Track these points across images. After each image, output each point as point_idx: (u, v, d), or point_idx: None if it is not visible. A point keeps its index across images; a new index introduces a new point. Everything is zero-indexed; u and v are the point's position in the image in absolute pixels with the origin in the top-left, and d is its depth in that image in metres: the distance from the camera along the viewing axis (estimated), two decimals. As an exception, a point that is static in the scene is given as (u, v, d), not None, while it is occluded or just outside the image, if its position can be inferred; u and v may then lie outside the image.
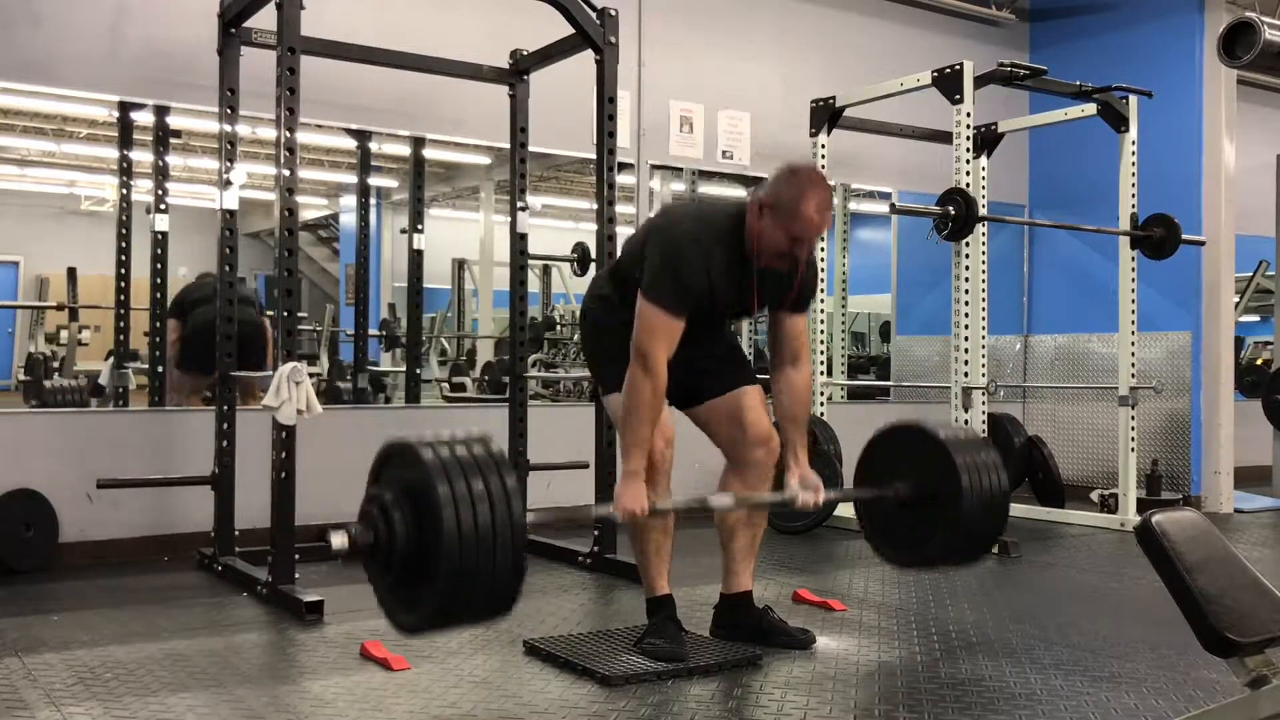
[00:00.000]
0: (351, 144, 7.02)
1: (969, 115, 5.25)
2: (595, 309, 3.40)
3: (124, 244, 5.38)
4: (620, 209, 4.63)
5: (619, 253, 3.45)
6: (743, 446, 3.32)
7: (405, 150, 6.67)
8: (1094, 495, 6.49)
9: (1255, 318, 9.98)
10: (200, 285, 6.10)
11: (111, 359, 5.88)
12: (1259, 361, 9.46)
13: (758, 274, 3.15)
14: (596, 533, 4.57)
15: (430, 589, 2.61)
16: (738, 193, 7.95)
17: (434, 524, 2.55)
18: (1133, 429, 6.02)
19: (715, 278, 3.09)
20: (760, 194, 3.10)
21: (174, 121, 5.47)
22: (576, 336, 9.74)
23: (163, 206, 5.42)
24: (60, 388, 5.86)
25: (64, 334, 8.67)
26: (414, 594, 2.68)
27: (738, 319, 3.44)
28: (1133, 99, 5.96)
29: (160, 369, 5.50)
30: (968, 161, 5.25)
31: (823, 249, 6.13)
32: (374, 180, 7.86)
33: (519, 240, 5.20)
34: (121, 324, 5.53)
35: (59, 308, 8.46)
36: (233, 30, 4.55)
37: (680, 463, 3.31)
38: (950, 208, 5.19)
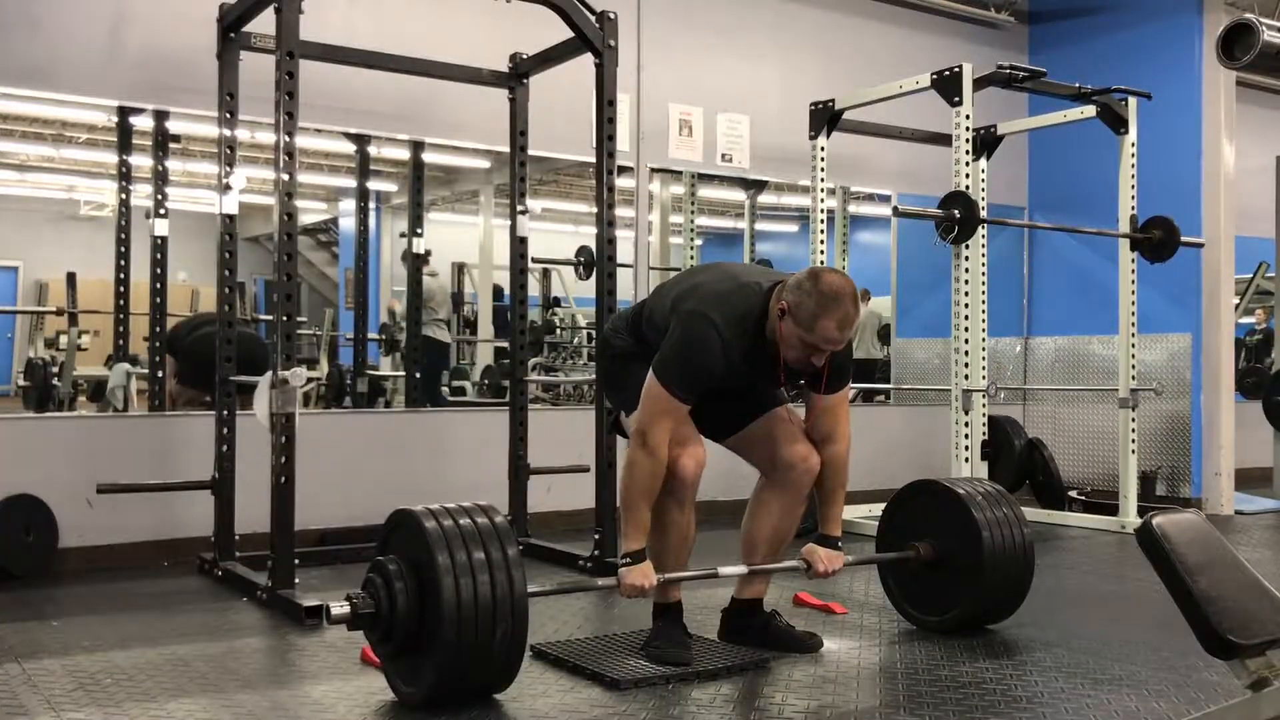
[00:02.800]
0: (351, 148, 7.01)
1: (968, 117, 5.25)
2: (616, 343, 3.38)
3: (123, 249, 5.38)
4: (620, 212, 4.63)
5: (647, 299, 3.40)
6: (779, 467, 3.31)
7: (405, 154, 6.66)
8: (1072, 493, 6.55)
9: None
10: (193, 318, 6.16)
11: (124, 363, 5.87)
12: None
13: (780, 360, 3.10)
14: (597, 537, 4.57)
15: (430, 657, 2.64)
16: (737, 195, 7.97)
17: (434, 593, 2.60)
18: (1133, 431, 6.02)
19: (734, 365, 3.07)
20: (784, 297, 3.02)
21: (173, 126, 5.46)
22: (576, 339, 9.75)
23: (162, 211, 5.42)
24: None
25: (63, 339, 8.66)
26: (414, 664, 2.71)
27: (765, 390, 3.39)
28: (1132, 101, 5.96)
29: (160, 373, 5.49)
30: (967, 164, 5.26)
31: (823, 250, 6.13)
32: (373, 184, 7.86)
33: (519, 244, 5.20)
34: (121, 329, 5.52)
35: (58, 313, 8.45)
36: (232, 35, 4.55)
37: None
38: (953, 211, 5.20)
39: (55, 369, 8.08)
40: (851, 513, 5.86)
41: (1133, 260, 6.01)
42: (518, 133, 5.24)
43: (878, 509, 6.11)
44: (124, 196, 5.52)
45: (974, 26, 7.53)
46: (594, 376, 4.93)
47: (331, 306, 10.66)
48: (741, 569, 3.30)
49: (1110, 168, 6.07)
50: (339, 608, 2.73)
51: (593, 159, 4.65)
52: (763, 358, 3.10)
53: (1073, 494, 6.59)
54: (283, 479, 3.87)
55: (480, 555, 2.65)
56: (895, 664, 3.26)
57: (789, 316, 2.99)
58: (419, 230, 6.58)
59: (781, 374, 3.15)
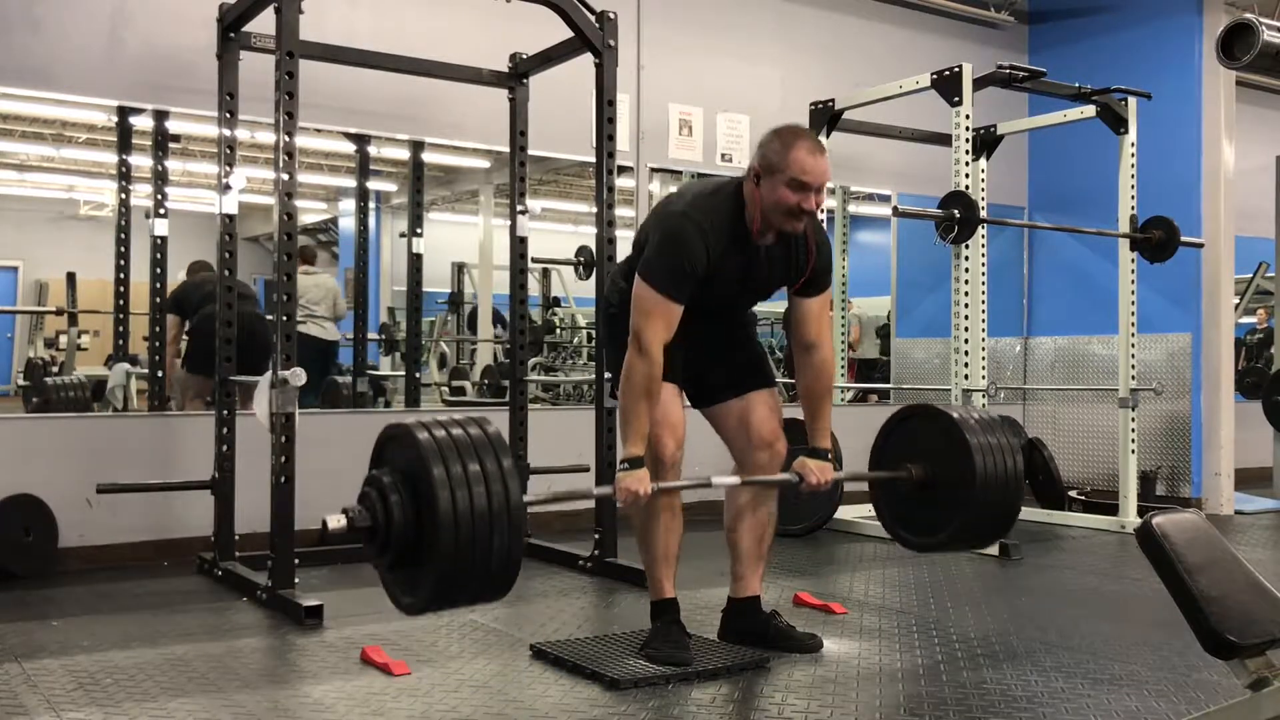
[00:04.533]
0: (350, 148, 7.02)
1: (968, 117, 5.25)
2: (614, 299, 3.38)
3: (123, 249, 5.39)
4: (620, 212, 4.63)
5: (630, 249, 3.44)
6: (747, 449, 3.32)
7: (404, 154, 6.67)
8: (1072, 493, 6.56)
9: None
10: (202, 282, 6.06)
11: (124, 363, 5.87)
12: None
13: (765, 252, 3.13)
14: (597, 536, 4.57)
15: (428, 570, 2.61)
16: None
17: (430, 506, 2.56)
18: (1133, 431, 6.02)
19: (716, 258, 3.07)
20: (751, 163, 3.09)
21: (173, 126, 5.46)
22: (576, 340, 9.76)
23: (162, 211, 5.42)
24: (62, 384, 5.85)
25: (63, 339, 8.67)
26: (412, 575, 2.69)
27: (751, 303, 3.38)
28: (1132, 101, 5.96)
29: (160, 374, 5.49)
30: (967, 164, 5.26)
31: (822, 209, 6.12)
32: (373, 184, 7.87)
33: (519, 244, 5.20)
34: (121, 329, 5.52)
35: (58, 312, 8.46)
36: (231, 35, 4.55)
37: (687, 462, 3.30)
38: (954, 211, 5.20)
39: (55, 369, 8.09)
40: (852, 512, 5.87)
41: (1132, 260, 6.01)
42: (518, 133, 5.24)
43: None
44: (124, 196, 5.52)
45: (974, 26, 7.53)
46: (594, 376, 4.94)
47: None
48: (735, 479, 3.23)
49: (1110, 168, 6.07)
50: (335, 521, 2.69)
51: (593, 159, 4.65)
52: (747, 253, 3.12)
53: (1073, 494, 6.59)
54: (283, 479, 3.87)
55: (475, 466, 2.61)
56: (895, 664, 3.26)
57: (763, 176, 3.04)
58: (419, 230, 6.59)
59: (767, 273, 3.15)
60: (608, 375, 4.49)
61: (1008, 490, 3.40)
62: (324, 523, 2.67)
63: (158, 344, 5.56)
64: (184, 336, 5.98)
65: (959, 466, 3.35)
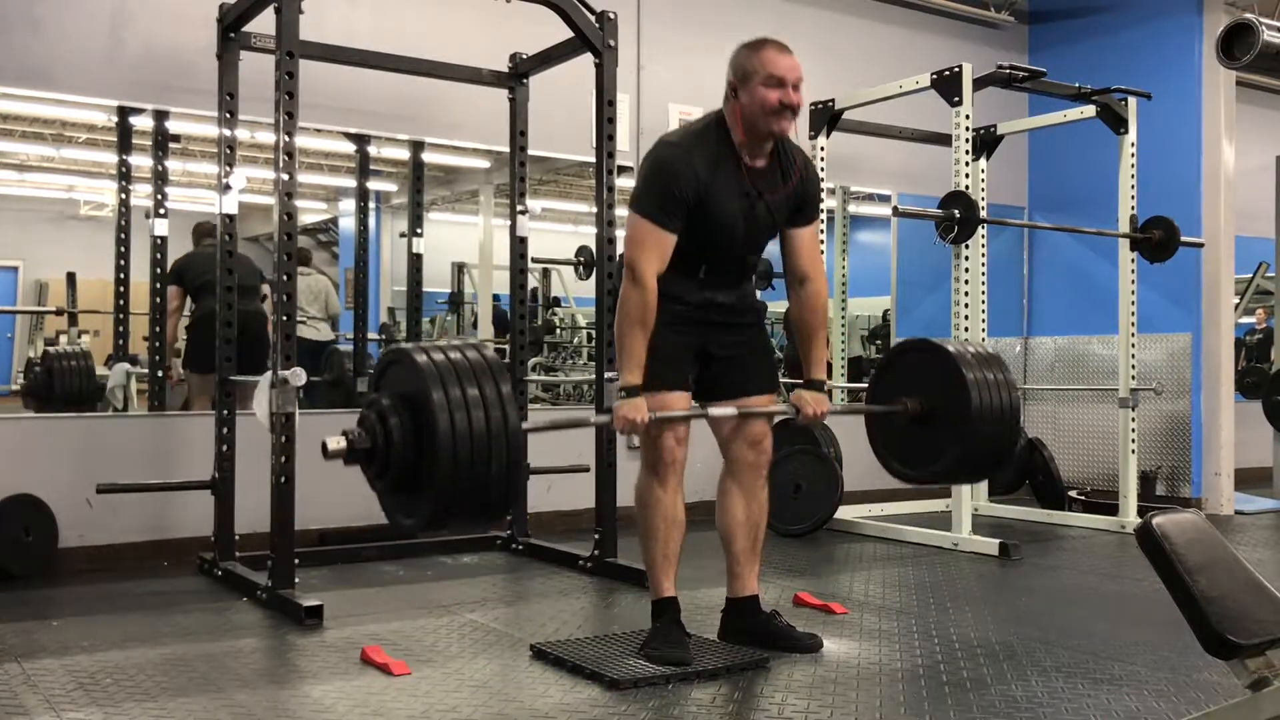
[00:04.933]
0: (350, 148, 7.01)
1: (968, 117, 5.25)
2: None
3: (123, 249, 5.38)
4: (620, 212, 4.62)
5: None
6: (735, 445, 3.33)
7: (404, 154, 6.66)
8: (1072, 493, 6.56)
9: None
10: (204, 260, 5.95)
11: (124, 363, 5.86)
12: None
13: (758, 178, 3.17)
14: (597, 537, 4.57)
15: (427, 492, 2.61)
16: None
17: (430, 429, 2.55)
18: (1133, 431, 6.02)
19: (705, 181, 3.10)
20: (726, 80, 3.18)
21: (173, 126, 5.46)
22: (576, 340, 9.75)
23: (162, 211, 5.42)
24: (66, 353, 5.84)
25: (63, 339, 8.65)
26: (412, 497, 2.68)
27: (756, 245, 3.34)
28: (1132, 101, 5.96)
29: (160, 374, 5.49)
30: (967, 164, 5.26)
31: (823, 250, 6.12)
32: (373, 184, 7.85)
33: (519, 244, 5.20)
34: (121, 329, 5.52)
35: (58, 312, 8.45)
36: (232, 35, 4.55)
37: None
38: (954, 211, 5.20)
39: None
40: (852, 513, 5.88)
41: (1133, 260, 6.01)
42: (518, 133, 5.24)
43: (878, 509, 6.16)
44: (124, 196, 5.51)
45: (974, 26, 7.53)
46: (594, 377, 4.93)
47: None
48: (731, 410, 3.22)
49: (1110, 168, 6.07)
50: (335, 443, 2.66)
51: (593, 159, 4.65)
52: (738, 173, 3.16)
53: (1073, 494, 6.60)
54: (283, 479, 3.87)
55: (475, 390, 2.60)
56: (895, 664, 3.26)
57: (740, 87, 3.12)
58: (419, 230, 6.58)
59: (751, 180, 3.16)
60: (608, 374, 4.49)
61: (1003, 424, 3.40)
62: (324, 444, 2.65)
63: (158, 344, 5.56)
64: (184, 321, 5.94)
65: (955, 400, 3.36)
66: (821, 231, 6.06)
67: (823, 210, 6.05)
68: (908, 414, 3.46)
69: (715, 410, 3.21)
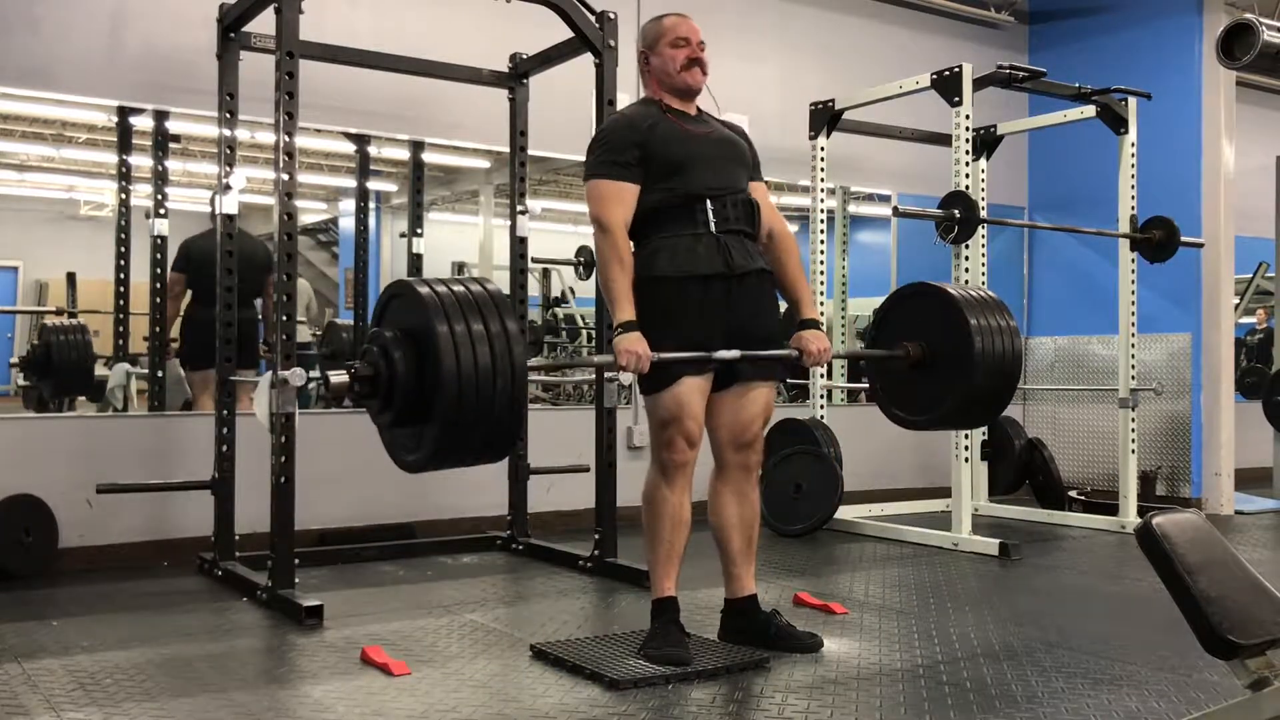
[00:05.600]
0: (350, 148, 7.01)
1: (968, 117, 5.25)
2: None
3: (123, 249, 5.38)
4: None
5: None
6: (728, 448, 3.33)
7: (404, 154, 6.66)
8: (1072, 493, 6.57)
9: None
10: (208, 245, 5.90)
11: (123, 363, 5.86)
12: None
13: (682, 119, 3.35)
14: (597, 537, 4.57)
15: (431, 426, 2.58)
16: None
17: (434, 361, 2.52)
18: (1133, 431, 6.02)
19: (645, 132, 3.26)
20: (637, 58, 3.47)
21: (173, 126, 5.46)
22: (576, 340, 9.75)
23: (162, 211, 5.42)
24: (64, 327, 5.84)
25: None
26: (415, 431, 2.66)
27: (738, 173, 3.37)
28: (1132, 101, 5.96)
29: (160, 374, 5.49)
30: (967, 164, 5.26)
31: (822, 249, 6.13)
32: (373, 184, 7.84)
33: (519, 244, 5.19)
34: (121, 328, 5.52)
35: (58, 312, 8.43)
36: (232, 35, 4.56)
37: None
38: (954, 211, 5.20)
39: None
40: (852, 513, 5.87)
41: (1133, 260, 6.01)
42: (518, 133, 5.24)
43: (878, 509, 6.16)
44: (124, 196, 5.51)
45: (974, 26, 7.53)
46: (593, 376, 4.93)
47: (331, 306, 10.64)
48: (735, 353, 3.18)
49: (1110, 168, 6.07)
50: (337, 375, 2.64)
51: (593, 159, 4.64)
52: (682, 118, 3.37)
53: (1073, 494, 6.60)
54: (282, 479, 3.87)
55: (479, 325, 2.57)
56: (895, 664, 3.26)
57: (649, 54, 3.41)
58: (419, 230, 6.58)
59: (681, 124, 3.32)
60: (609, 375, 4.49)
61: (1004, 369, 3.38)
62: (325, 378, 2.63)
63: (158, 344, 5.56)
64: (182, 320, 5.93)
65: (956, 345, 3.34)
66: (822, 231, 6.07)
67: (822, 210, 6.07)
68: (909, 359, 3.44)
69: (721, 354, 3.18)
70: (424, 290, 2.59)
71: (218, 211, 4.61)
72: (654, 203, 3.23)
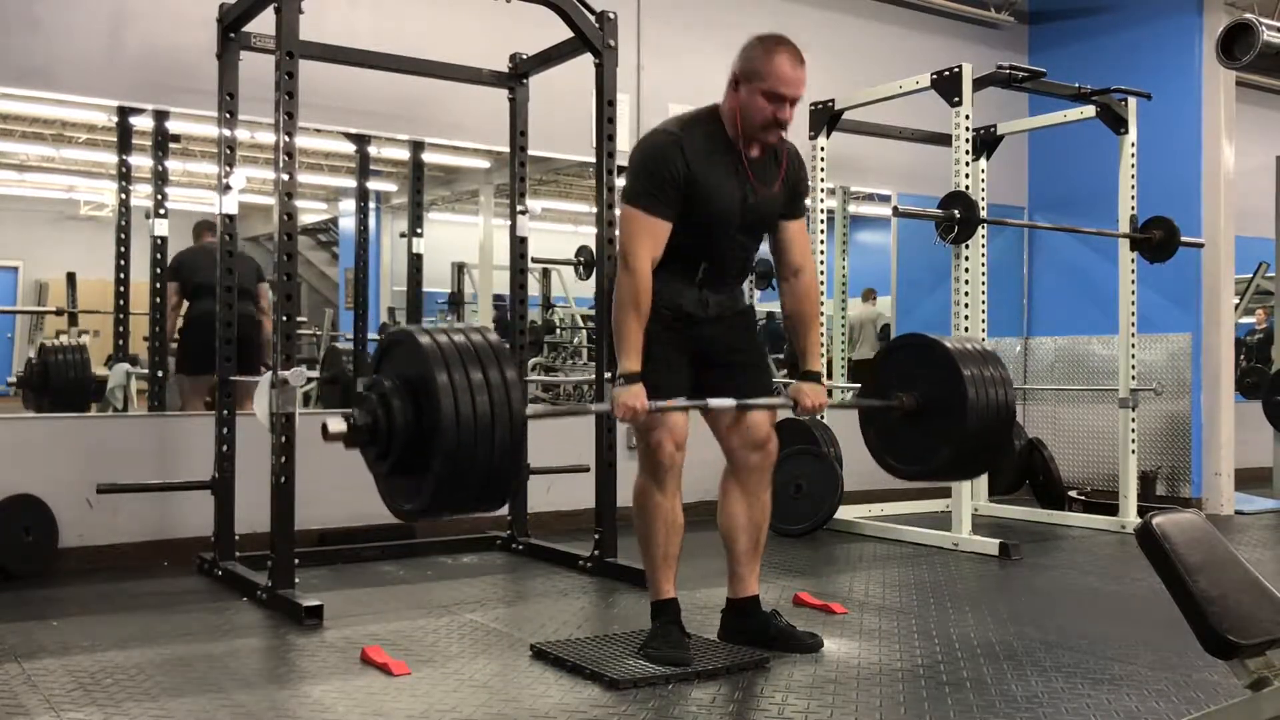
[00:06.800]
0: (350, 148, 7.01)
1: (968, 118, 5.25)
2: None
3: (123, 249, 5.38)
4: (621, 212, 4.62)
5: None
6: (740, 449, 3.32)
7: (404, 154, 6.66)
8: (1072, 493, 6.56)
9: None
10: (203, 257, 5.83)
11: (124, 363, 5.86)
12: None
13: (752, 164, 3.16)
14: (597, 537, 4.57)
15: (428, 475, 2.58)
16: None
17: (433, 410, 2.52)
18: (1133, 431, 6.02)
19: (696, 164, 3.08)
20: (732, 69, 3.13)
21: (173, 126, 5.46)
22: (576, 340, 9.75)
23: (162, 211, 5.42)
24: (63, 347, 5.85)
25: (63, 339, 8.66)
26: (412, 481, 2.66)
27: (754, 233, 3.33)
28: (1132, 101, 5.96)
29: (160, 374, 5.49)
30: (967, 164, 5.26)
31: (823, 250, 6.13)
32: (373, 184, 7.84)
33: (519, 244, 5.19)
34: (121, 329, 5.52)
35: (58, 313, 8.44)
36: (231, 35, 4.55)
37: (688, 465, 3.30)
38: (954, 211, 5.20)
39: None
40: (852, 513, 5.87)
41: (1133, 260, 6.01)
42: (518, 133, 5.24)
43: (878, 509, 6.16)
44: (124, 196, 5.51)
45: (974, 26, 7.53)
46: (594, 377, 4.93)
47: (331, 307, 10.65)
48: (730, 402, 3.21)
49: (1110, 168, 6.07)
50: (335, 424, 2.65)
51: (593, 159, 4.65)
52: (726, 155, 3.14)
53: (1073, 494, 6.60)
54: (282, 479, 3.87)
55: (478, 374, 2.59)
56: (895, 664, 3.26)
57: (742, 83, 3.09)
58: (419, 230, 6.58)
59: (748, 167, 3.14)
60: (609, 374, 4.49)
61: (998, 421, 3.39)
62: (324, 425, 2.63)
63: (158, 344, 5.56)
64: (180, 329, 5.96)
65: (950, 396, 3.34)
66: (822, 231, 6.07)
67: (822, 210, 6.07)
68: (903, 409, 3.45)
69: (715, 402, 3.19)
70: (424, 340, 2.61)
71: (219, 212, 4.60)
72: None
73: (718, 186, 3.13)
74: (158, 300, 5.49)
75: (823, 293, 6.13)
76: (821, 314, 5.47)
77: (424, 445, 2.58)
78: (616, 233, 4.52)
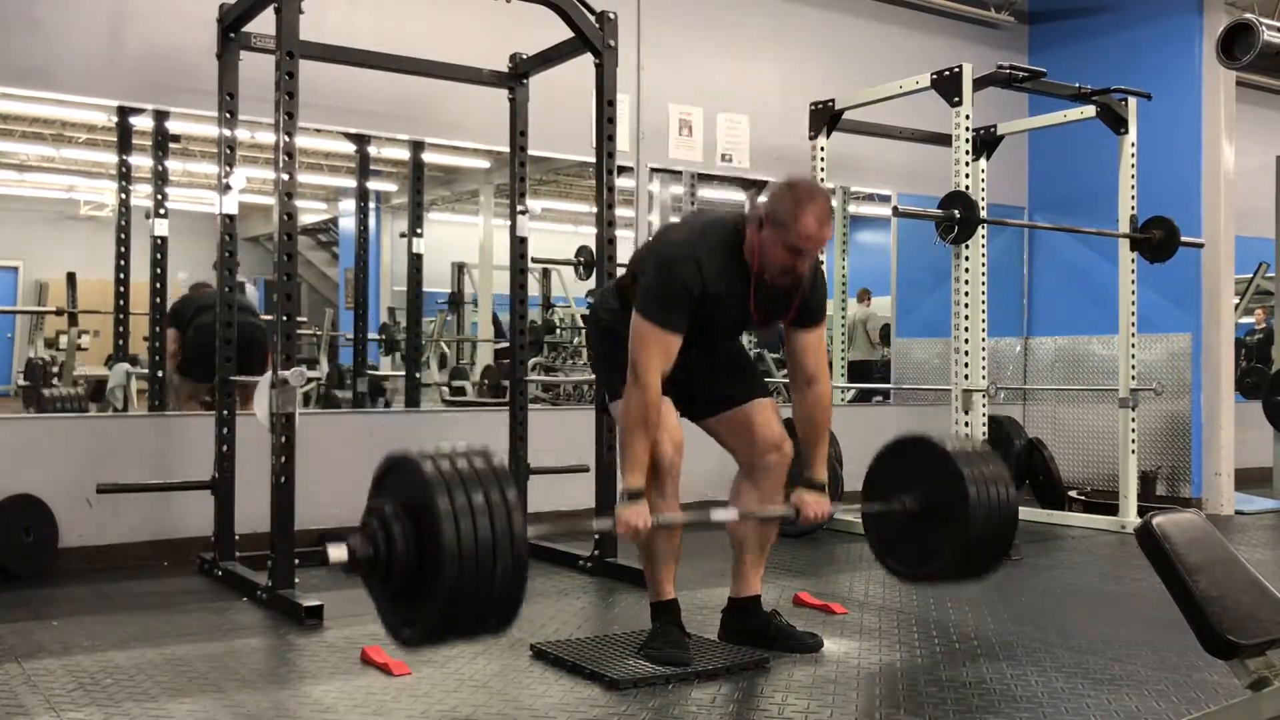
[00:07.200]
0: (350, 148, 7.01)
1: (968, 118, 5.25)
2: (604, 314, 3.39)
3: (123, 249, 5.38)
4: (620, 212, 4.63)
5: (626, 264, 3.45)
6: (754, 453, 3.32)
7: (404, 154, 6.67)
8: (1072, 493, 6.56)
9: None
10: (199, 296, 6.09)
11: (124, 363, 5.87)
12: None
13: (756, 284, 3.13)
14: (597, 537, 4.57)
15: (430, 602, 2.61)
16: (737, 196, 7.97)
17: (434, 537, 2.54)
18: (1133, 431, 6.02)
19: (711, 287, 3.07)
20: (759, 207, 3.08)
21: (173, 126, 5.46)
22: (577, 340, 9.75)
23: (162, 211, 5.42)
24: (59, 396, 5.86)
25: (63, 339, 8.66)
26: (414, 607, 2.68)
27: (741, 332, 3.41)
28: (1132, 101, 5.96)
29: (160, 374, 5.49)
30: (967, 164, 5.26)
31: (823, 261, 6.11)
32: (373, 184, 7.85)
33: (519, 244, 5.19)
34: (121, 329, 5.52)
35: (58, 313, 8.45)
36: (232, 35, 4.55)
37: (687, 467, 3.29)
38: (954, 211, 5.20)
39: (55, 369, 8.09)
40: (852, 513, 5.86)
41: (1133, 260, 6.01)
42: (518, 133, 5.23)
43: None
44: (124, 196, 5.51)
45: (974, 26, 7.53)
46: (594, 377, 4.93)
47: (331, 306, 10.65)
48: (733, 513, 3.23)
49: (1110, 168, 6.07)
50: (336, 551, 2.67)
51: (593, 159, 4.65)
52: (742, 285, 3.12)
53: (1073, 494, 6.59)
54: (282, 479, 3.87)
55: (480, 497, 2.61)
56: (895, 664, 3.27)
57: (767, 225, 3.03)
58: (419, 230, 6.58)
59: (753, 304, 3.14)
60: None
61: (1001, 522, 3.41)
62: (325, 551, 2.66)
63: (158, 344, 5.56)
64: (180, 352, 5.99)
65: (952, 498, 3.36)
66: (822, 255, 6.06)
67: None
68: (905, 512, 3.47)
69: (717, 514, 3.20)
70: (426, 465, 2.61)
71: (219, 212, 4.60)
72: None
73: (728, 306, 3.15)
74: (158, 300, 5.49)
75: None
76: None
77: (425, 569, 2.61)
78: (619, 234, 4.54)
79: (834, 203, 7.04)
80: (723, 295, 3.11)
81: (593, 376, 5.43)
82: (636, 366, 3.03)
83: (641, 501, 3.02)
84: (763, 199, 3.09)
